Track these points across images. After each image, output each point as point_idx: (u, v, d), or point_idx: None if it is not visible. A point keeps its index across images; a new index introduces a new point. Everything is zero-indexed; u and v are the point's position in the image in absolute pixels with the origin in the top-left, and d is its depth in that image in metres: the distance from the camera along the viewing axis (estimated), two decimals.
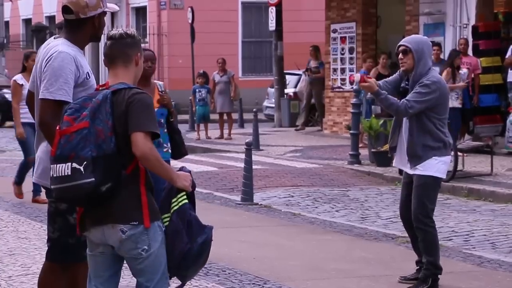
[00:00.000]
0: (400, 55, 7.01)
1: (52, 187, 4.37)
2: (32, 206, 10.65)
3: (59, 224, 5.00)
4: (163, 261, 4.45)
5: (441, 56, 16.40)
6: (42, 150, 5.04)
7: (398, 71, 7.30)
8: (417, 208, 7.00)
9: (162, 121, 7.13)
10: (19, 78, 10.95)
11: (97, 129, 4.28)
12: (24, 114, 10.51)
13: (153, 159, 4.33)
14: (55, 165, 4.31)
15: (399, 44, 7.10)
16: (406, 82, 7.11)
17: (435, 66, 16.28)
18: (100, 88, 4.47)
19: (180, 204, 4.47)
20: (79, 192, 4.26)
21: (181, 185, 4.45)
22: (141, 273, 4.42)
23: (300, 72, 24.09)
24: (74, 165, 4.24)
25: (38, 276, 5.25)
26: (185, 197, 4.47)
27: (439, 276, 7.04)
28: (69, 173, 4.25)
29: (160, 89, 7.28)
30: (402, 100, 6.93)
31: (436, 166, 6.97)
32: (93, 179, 4.23)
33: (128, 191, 4.35)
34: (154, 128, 4.36)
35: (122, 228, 4.34)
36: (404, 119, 7.03)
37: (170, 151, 7.01)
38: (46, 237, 5.14)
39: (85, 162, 4.23)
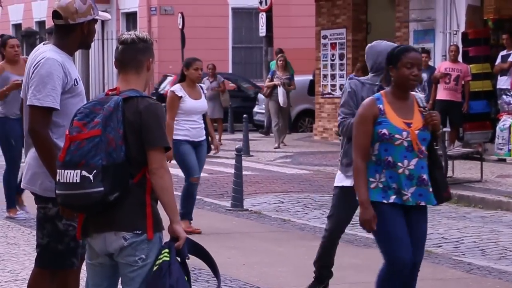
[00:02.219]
0: None
1: (57, 192, 4.33)
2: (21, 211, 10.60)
3: (48, 230, 4.98)
4: None
5: (430, 63, 16.44)
6: (31, 156, 5.03)
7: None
8: None
9: (423, 148, 5.33)
10: (178, 89, 9.38)
11: (109, 137, 4.23)
12: (181, 131, 9.39)
13: (169, 178, 4.32)
14: (62, 171, 4.25)
15: None
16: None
17: (423, 73, 16.39)
18: (110, 92, 4.39)
19: (159, 262, 4.27)
20: (87, 201, 4.23)
21: (180, 229, 4.33)
22: (131, 282, 4.37)
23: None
24: (84, 173, 4.19)
25: (27, 282, 5.23)
26: (166, 254, 4.28)
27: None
28: (78, 181, 4.20)
29: (421, 104, 5.43)
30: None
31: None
32: (102, 188, 4.19)
33: (133, 199, 4.31)
34: (168, 143, 4.37)
35: (124, 235, 4.31)
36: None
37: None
38: (36, 243, 5.12)
39: (94, 171, 4.19)
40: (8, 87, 9.73)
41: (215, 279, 7.32)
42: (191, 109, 9.41)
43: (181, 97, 9.33)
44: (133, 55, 4.43)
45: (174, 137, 9.27)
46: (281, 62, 19.14)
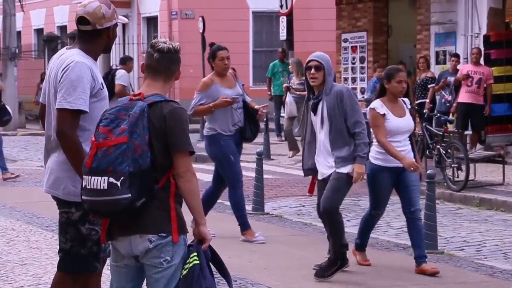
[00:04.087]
0: (313, 70, 7.55)
1: (84, 198, 4.38)
2: (43, 216, 10.67)
3: (71, 234, 5.00)
4: (178, 278, 4.43)
5: (458, 67, 16.33)
6: (53, 160, 5.05)
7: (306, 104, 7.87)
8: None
9: None
10: (378, 105, 7.87)
11: (135, 143, 4.28)
12: (380, 155, 7.90)
13: (196, 181, 4.37)
14: (89, 177, 4.30)
15: (310, 58, 7.63)
16: (314, 96, 7.70)
17: (451, 76, 16.32)
18: (134, 98, 4.44)
19: (189, 266, 4.34)
20: (114, 207, 4.28)
21: (206, 231, 4.40)
22: (156, 283, 4.42)
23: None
24: (111, 179, 4.24)
25: (49, 286, 5.25)
26: (195, 257, 4.36)
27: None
28: (106, 187, 4.25)
29: None
30: (358, 138, 7.47)
31: None
32: (130, 195, 4.25)
33: (158, 203, 4.36)
34: (192, 148, 4.42)
35: (150, 238, 4.36)
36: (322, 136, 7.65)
37: None
38: (58, 247, 5.14)
39: (122, 177, 4.24)
40: (216, 104, 9.01)
41: (236, 283, 7.35)
42: (395, 128, 7.85)
43: (384, 114, 7.83)
44: (167, 65, 4.49)
45: (373, 161, 7.88)
46: (290, 67, 18.01)
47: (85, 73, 4.91)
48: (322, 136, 7.64)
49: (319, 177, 7.80)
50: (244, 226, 9.35)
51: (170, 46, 4.49)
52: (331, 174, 7.63)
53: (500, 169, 13.48)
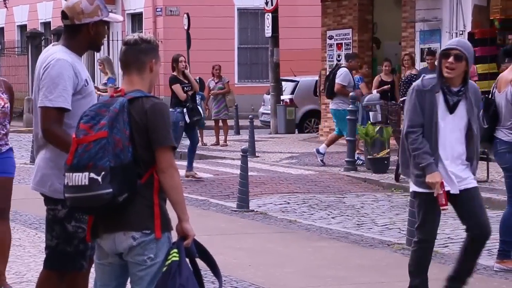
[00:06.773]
0: (451, 59, 6.35)
1: (66, 195, 4.35)
2: (27, 213, 10.62)
3: (57, 232, 4.98)
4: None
5: (436, 64, 16.41)
6: (40, 157, 5.05)
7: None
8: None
9: None
10: None
11: (115, 138, 4.27)
12: None
13: (178, 177, 4.36)
14: (70, 174, 4.28)
15: (452, 45, 6.41)
16: (449, 92, 6.42)
17: (431, 74, 16.33)
18: (115, 94, 4.43)
19: (168, 263, 4.32)
20: (96, 203, 4.25)
21: (189, 227, 4.38)
22: (140, 280, 4.40)
23: (296, 78, 24.10)
24: (92, 175, 4.22)
25: (32, 284, 5.24)
26: (175, 254, 4.33)
27: None
28: (86, 183, 4.23)
29: None
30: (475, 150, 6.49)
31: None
32: (111, 190, 4.22)
33: (142, 200, 4.34)
34: (174, 143, 4.40)
35: (133, 235, 4.34)
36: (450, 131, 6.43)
37: None
38: (41, 244, 5.12)
39: (103, 173, 4.21)
40: None
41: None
42: None
43: None
44: (135, 56, 4.46)
45: None
46: (100, 66, 16.50)
47: (66, 70, 4.89)
48: (457, 141, 6.52)
49: (453, 191, 6.43)
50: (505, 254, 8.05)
51: (137, 37, 4.47)
52: (466, 188, 6.53)
53: (484, 166, 13.51)
